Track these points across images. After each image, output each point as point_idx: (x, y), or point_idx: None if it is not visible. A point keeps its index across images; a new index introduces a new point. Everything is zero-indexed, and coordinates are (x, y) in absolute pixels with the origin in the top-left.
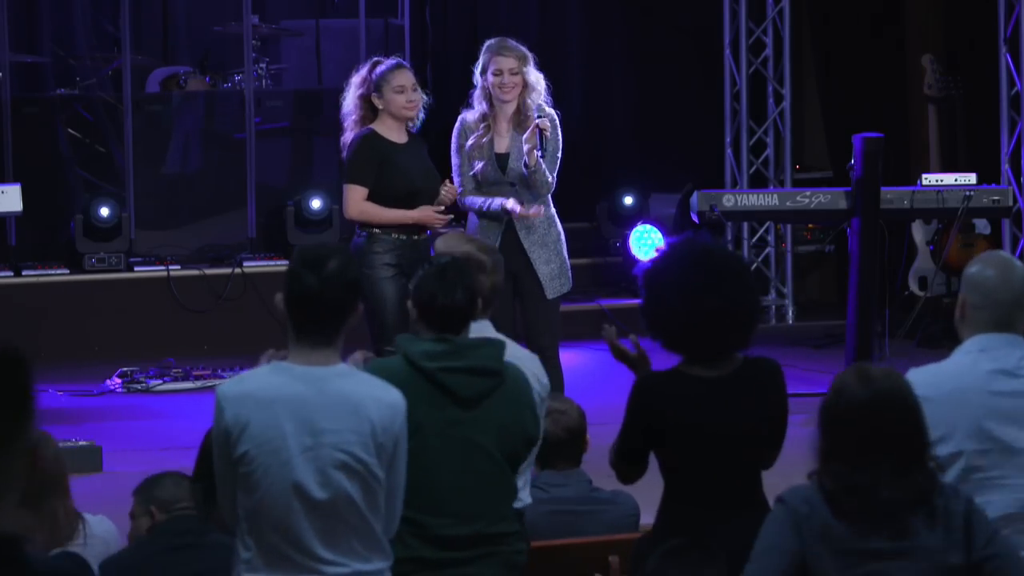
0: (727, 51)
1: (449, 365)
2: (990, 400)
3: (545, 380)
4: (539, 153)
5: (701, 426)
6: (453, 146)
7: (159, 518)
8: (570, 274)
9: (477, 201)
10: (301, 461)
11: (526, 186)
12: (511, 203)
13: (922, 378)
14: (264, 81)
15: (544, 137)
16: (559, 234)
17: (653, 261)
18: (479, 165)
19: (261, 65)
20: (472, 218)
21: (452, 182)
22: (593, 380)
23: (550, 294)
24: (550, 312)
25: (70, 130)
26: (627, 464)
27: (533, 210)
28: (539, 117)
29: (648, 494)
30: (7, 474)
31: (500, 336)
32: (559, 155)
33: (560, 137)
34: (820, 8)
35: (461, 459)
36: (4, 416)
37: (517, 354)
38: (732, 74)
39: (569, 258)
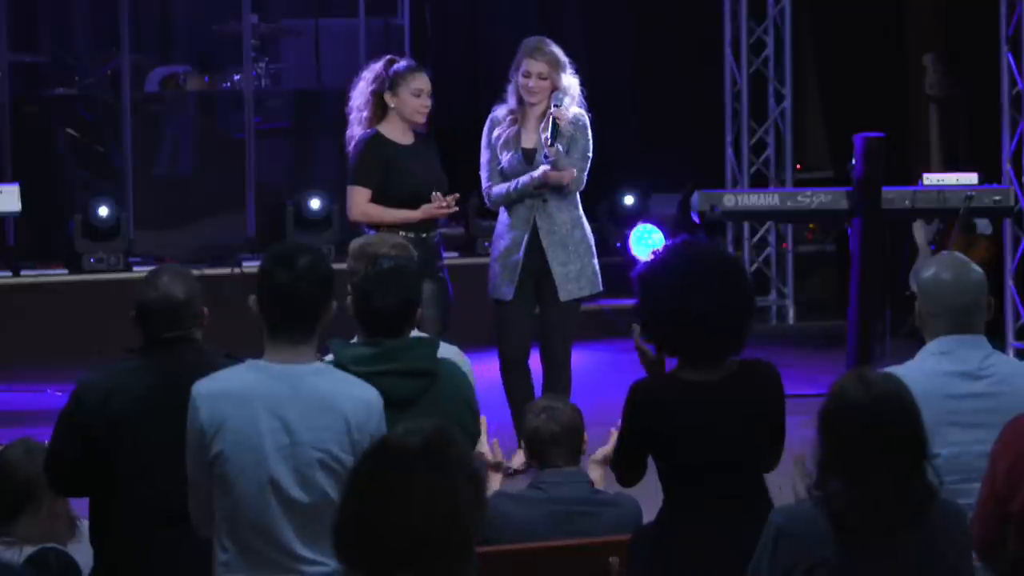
0: (727, 51)
1: (380, 369)
2: (947, 404)
3: (469, 378)
4: (550, 140)
5: (694, 430)
6: (483, 141)
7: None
8: (597, 279)
9: (504, 187)
10: (277, 460)
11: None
12: (540, 170)
13: None
14: (263, 81)
15: (558, 127)
16: (584, 236)
17: (648, 262)
18: (506, 157)
19: (260, 64)
20: (502, 217)
21: (447, 191)
22: (594, 380)
23: (563, 296)
24: (563, 315)
25: (69, 130)
26: (625, 468)
27: (568, 171)
28: (555, 107)
29: (650, 495)
30: None
31: (413, 334)
32: (589, 154)
33: (590, 138)
34: (821, 7)
35: None
36: None
37: (442, 351)
38: (733, 74)
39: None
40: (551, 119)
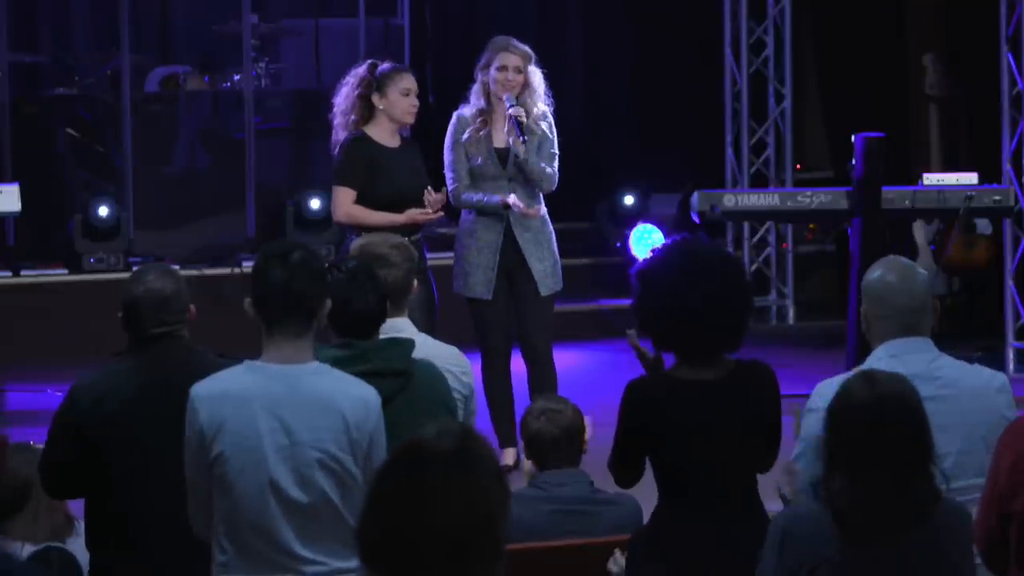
0: (727, 51)
1: (353, 370)
2: None
3: (468, 378)
4: (521, 138)
5: (690, 429)
6: (447, 142)
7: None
8: (560, 273)
9: (475, 196)
10: (276, 460)
11: (525, 180)
12: (513, 199)
13: (832, 391)
14: (263, 81)
15: (521, 123)
16: (551, 232)
17: (646, 259)
18: (478, 160)
19: (260, 64)
20: (465, 216)
21: (434, 191)
22: (592, 380)
23: (544, 291)
24: (544, 310)
25: (69, 130)
26: (622, 468)
27: (534, 209)
28: (511, 107)
29: (650, 495)
30: None
31: (412, 334)
32: (555, 151)
33: (554, 132)
34: (821, 7)
35: None
36: None
37: (437, 351)
38: (733, 74)
39: (562, 258)
40: (514, 120)
